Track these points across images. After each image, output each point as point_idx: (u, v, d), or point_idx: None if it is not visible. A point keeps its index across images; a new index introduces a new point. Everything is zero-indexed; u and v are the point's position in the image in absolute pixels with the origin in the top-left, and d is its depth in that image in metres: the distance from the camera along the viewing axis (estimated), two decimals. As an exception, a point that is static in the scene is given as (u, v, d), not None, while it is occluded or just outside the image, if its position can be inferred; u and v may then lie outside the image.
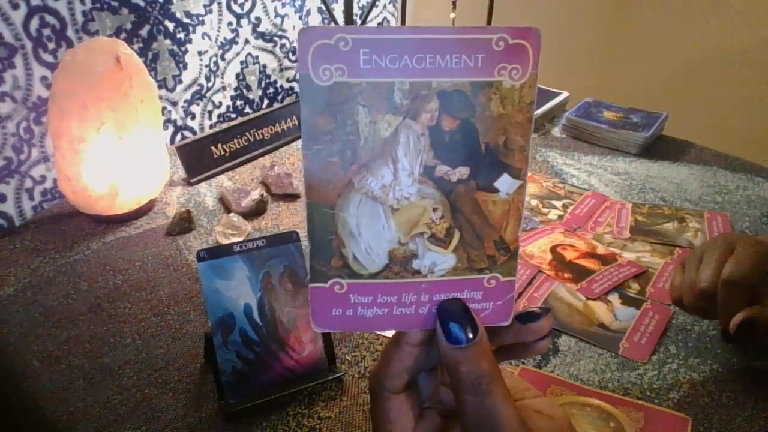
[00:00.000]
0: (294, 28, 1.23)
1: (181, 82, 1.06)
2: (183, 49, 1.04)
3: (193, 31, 1.05)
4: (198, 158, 0.99)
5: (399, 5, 1.42)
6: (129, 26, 0.95)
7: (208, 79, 1.11)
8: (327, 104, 0.28)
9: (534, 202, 0.93)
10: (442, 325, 0.31)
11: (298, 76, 0.27)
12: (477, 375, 0.29)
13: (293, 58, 1.26)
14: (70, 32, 0.87)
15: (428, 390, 0.34)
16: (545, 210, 0.91)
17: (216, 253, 0.57)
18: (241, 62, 1.17)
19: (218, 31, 1.10)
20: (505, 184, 0.30)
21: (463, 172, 0.30)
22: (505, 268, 0.32)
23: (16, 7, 0.80)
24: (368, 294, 0.31)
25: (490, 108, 0.29)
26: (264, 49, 1.20)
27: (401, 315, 0.31)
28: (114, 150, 0.80)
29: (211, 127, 1.16)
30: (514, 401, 0.30)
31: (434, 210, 0.30)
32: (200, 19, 1.05)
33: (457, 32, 0.28)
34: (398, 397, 0.32)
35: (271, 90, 1.25)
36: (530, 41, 0.28)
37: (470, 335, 0.30)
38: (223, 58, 1.13)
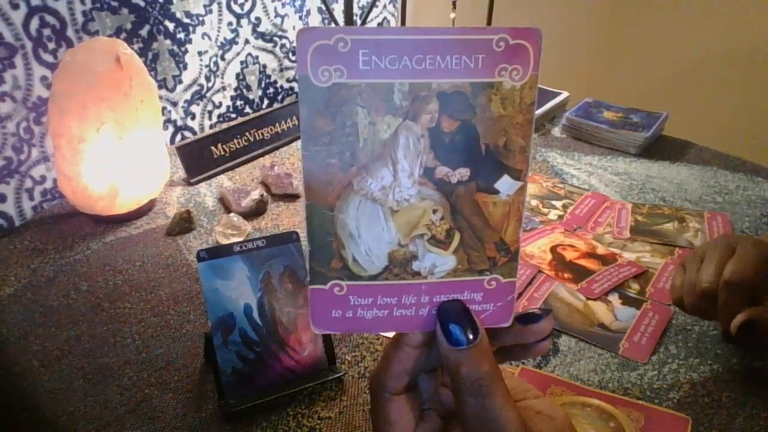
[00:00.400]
0: (294, 28, 1.23)
1: (181, 82, 1.06)
2: (183, 49, 1.04)
3: (193, 31, 1.05)
4: (198, 158, 0.99)
5: (399, 5, 1.42)
6: (129, 26, 0.95)
7: (208, 79, 1.11)
8: (326, 105, 0.28)
9: (534, 202, 0.93)
10: (443, 327, 0.31)
11: (297, 77, 0.27)
12: (477, 376, 0.29)
13: (293, 58, 1.26)
14: (70, 32, 0.87)
15: (428, 391, 0.34)
16: (545, 210, 0.91)
17: (216, 253, 0.57)
18: (241, 62, 1.16)
19: (218, 31, 1.10)
20: (505, 185, 0.30)
21: (464, 173, 0.30)
22: (506, 269, 0.32)
23: (16, 7, 0.80)
24: (368, 296, 0.31)
25: (490, 109, 0.29)
26: (264, 49, 1.19)
27: (401, 316, 0.31)
28: (114, 150, 0.80)
29: (211, 127, 1.16)
30: (514, 402, 0.30)
31: (434, 211, 0.30)
32: (200, 19, 1.05)
33: (457, 33, 0.28)
34: (399, 399, 0.32)
35: (271, 90, 1.25)
36: (531, 42, 0.28)
37: (470, 337, 0.30)
38: (223, 58, 1.13)
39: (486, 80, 0.29)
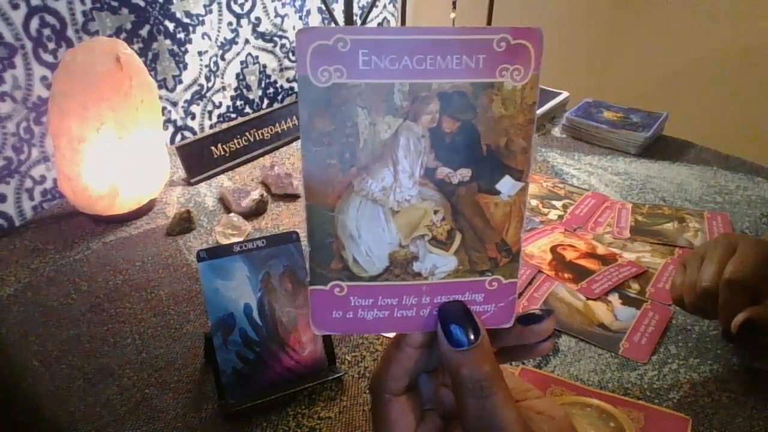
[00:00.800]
0: (294, 28, 1.23)
1: (181, 82, 1.06)
2: (183, 49, 1.04)
3: (193, 31, 1.05)
4: (198, 158, 0.99)
5: (399, 5, 1.42)
6: (129, 26, 0.95)
7: (208, 79, 1.11)
8: (326, 106, 0.28)
9: (534, 202, 0.93)
10: (444, 328, 0.30)
11: (296, 77, 0.27)
12: (478, 378, 0.29)
13: (293, 58, 1.26)
14: (70, 32, 0.87)
15: (429, 391, 0.34)
16: (545, 210, 0.91)
17: (216, 253, 0.57)
18: (241, 62, 1.16)
19: (218, 31, 1.10)
20: (506, 186, 0.30)
21: (465, 174, 0.30)
22: (507, 270, 0.31)
23: (16, 7, 0.80)
24: (368, 296, 0.31)
25: (491, 109, 0.29)
26: (264, 49, 1.19)
27: (402, 317, 0.31)
28: (114, 150, 0.80)
29: (211, 127, 1.16)
30: (515, 403, 0.30)
31: (435, 212, 0.30)
32: (200, 19, 1.05)
33: (458, 33, 0.28)
34: (399, 399, 0.32)
35: (271, 90, 1.25)
36: (532, 41, 0.28)
37: (471, 337, 0.30)
38: (223, 58, 1.13)
39: (487, 80, 0.28)
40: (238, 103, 1.20)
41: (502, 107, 0.29)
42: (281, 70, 1.25)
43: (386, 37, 0.27)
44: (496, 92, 0.29)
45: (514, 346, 0.34)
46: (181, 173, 0.99)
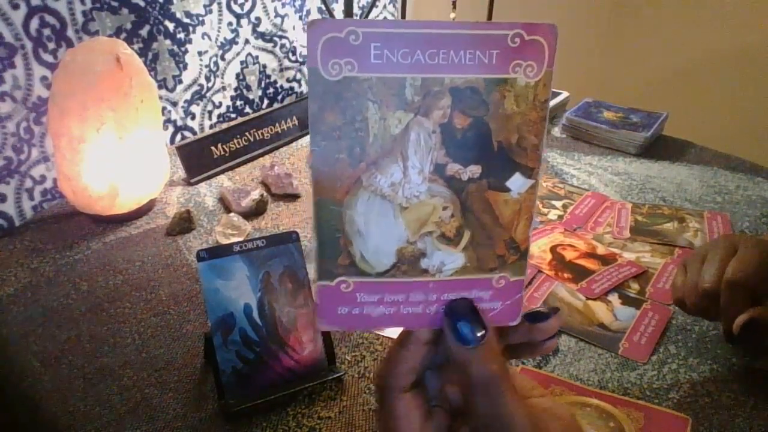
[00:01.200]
0: (294, 28, 1.23)
1: (181, 82, 1.06)
2: (183, 49, 1.04)
3: (193, 31, 1.05)
4: (198, 158, 0.99)
5: (399, 5, 1.42)
6: (129, 26, 0.95)
7: (208, 79, 1.11)
8: (336, 99, 0.28)
9: (534, 203, 0.93)
10: (450, 325, 0.30)
11: (306, 70, 0.27)
12: (486, 375, 0.29)
13: (293, 58, 1.26)
14: (70, 32, 0.87)
15: (435, 388, 0.34)
16: (545, 210, 0.91)
17: (216, 253, 0.57)
18: (241, 62, 1.16)
19: (218, 31, 1.09)
20: (516, 183, 0.30)
21: (475, 170, 0.30)
22: (515, 267, 0.31)
23: (16, 7, 0.79)
24: (375, 293, 0.31)
25: (503, 106, 0.29)
26: (264, 49, 1.19)
27: (408, 314, 0.31)
28: (114, 150, 0.80)
29: (211, 127, 1.16)
30: (523, 401, 0.30)
31: (444, 209, 0.30)
32: (200, 19, 1.05)
33: (472, 27, 0.27)
34: (405, 396, 0.32)
35: (271, 90, 1.25)
36: (546, 37, 0.28)
37: (478, 335, 0.30)
38: (223, 58, 1.12)
39: (500, 76, 0.28)
40: (238, 103, 1.20)
41: (514, 104, 0.29)
42: (281, 70, 1.25)
43: (399, 31, 0.27)
44: (509, 88, 0.28)
45: (520, 344, 0.34)
46: (181, 173, 0.98)
